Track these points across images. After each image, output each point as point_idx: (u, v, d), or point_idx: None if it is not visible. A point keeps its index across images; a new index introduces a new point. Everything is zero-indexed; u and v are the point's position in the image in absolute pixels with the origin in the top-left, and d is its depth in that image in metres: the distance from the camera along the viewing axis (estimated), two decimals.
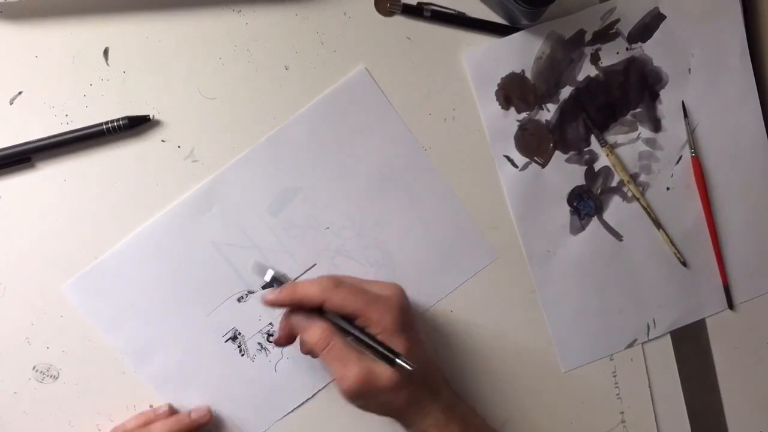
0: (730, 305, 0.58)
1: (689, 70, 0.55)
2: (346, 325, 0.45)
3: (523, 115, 0.54)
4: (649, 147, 0.56)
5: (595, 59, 0.54)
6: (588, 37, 0.54)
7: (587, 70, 0.54)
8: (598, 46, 0.54)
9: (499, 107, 0.53)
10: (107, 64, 0.50)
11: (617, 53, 0.54)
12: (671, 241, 0.56)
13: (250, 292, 0.53)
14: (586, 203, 0.55)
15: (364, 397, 0.45)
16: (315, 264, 0.53)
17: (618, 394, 0.58)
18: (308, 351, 0.48)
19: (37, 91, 0.49)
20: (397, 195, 0.53)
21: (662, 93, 0.55)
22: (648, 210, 0.56)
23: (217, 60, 0.50)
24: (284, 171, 0.52)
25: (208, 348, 0.53)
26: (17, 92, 0.49)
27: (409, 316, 0.47)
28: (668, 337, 0.58)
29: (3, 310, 0.51)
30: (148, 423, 0.50)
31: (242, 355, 0.53)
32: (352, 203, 0.53)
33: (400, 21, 0.52)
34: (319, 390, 0.54)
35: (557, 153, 0.55)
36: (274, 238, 0.52)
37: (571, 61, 0.54)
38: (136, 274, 0.51)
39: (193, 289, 0.52)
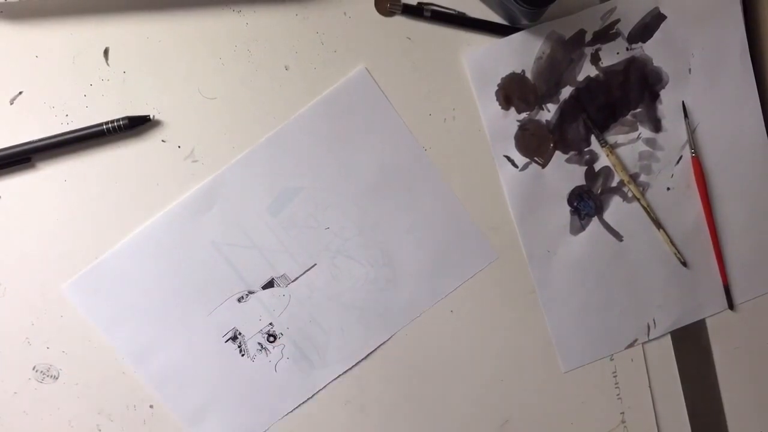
0: (731, 305, 0.58)
1: (689, 70, 0.55)
2: None
3: (524, 115, 0.54)
4: (650, 147, 0.56)
5: (595, 59, 0.54)
6: (588, 37, 0.54)
7: (587, 70, 0.54)
8: (598, 46, 0.54)
9: (500, 107, 0.53)
10: (107, 64, 0.50)
11: (617, 53, 0.54)
12: (671, 241, 0.56)
13: (251, 292, 0.53)
14: (586, 203, 0.55)
15: None
16: (315, 264, 0.53)
17: (618, 395, 0.58)
18: None
19: (37, 91, 0.49)
20: (397, 195, 0.53)
21: (662, 93, 0.55)
22: (648, 210, 0.56)
23: (217, 60, 0.50)
24: (284, 171, 0.52)
25: (208, 348, 0.53)
26: (17, 92, 0.49)
27: None
28: (668, 337, 0.58)
29: (3, 310, 0.51)
30: None
31: (242, 355, 0.53)
32: (353, 203, 0.53)
33: (400, 21, 0.52)
34: (319, 390, 0.54)
35: (557, 153, 0.55)
36: (274, 238, 0.52)
37: (571, 61, 0.54)
38: (136, 274, 0.51)
39: (193, 289, 0.52)
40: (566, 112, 0.54)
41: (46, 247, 0.50)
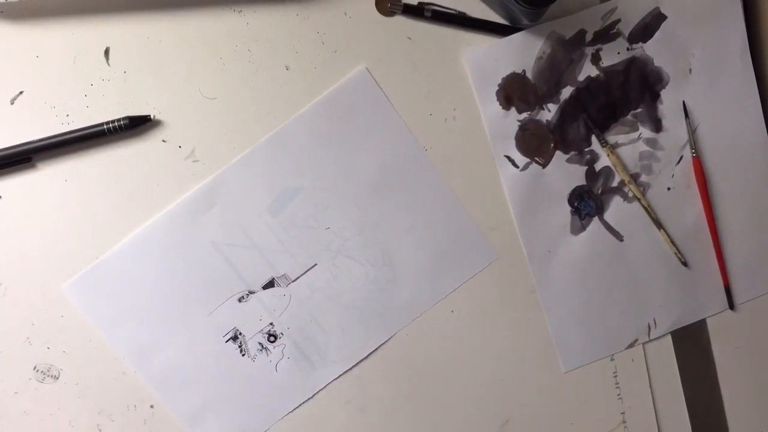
0: (731, 305, 0.58)
1: (690, 70, 0.55)
2: None
3: (524, 115, 0.54)
4: (650, 147, 0.56)
5: (595, 59, 0.54)
6: (589, 37, 0.54)
7: (588, 70, 0.54)
8: (598, 46, 0.54)
9: (500, 107, 0.53)
10: (108, 64, 0.50)
11: (618, 53, 0.54)
12: (672, 241, 0.56)
13: (251, 292, 0.53)
14: (586, 203, 0.55)
15: None
16: (315, 264, 0.53)
17: (619, 395, 0.58)
18: None
19: (37, 91, 0.49)
20: (397, 195, 0.53)
21: (663, 93, 0.55)
22: (649, 210, 0.56)
23: (217, 60, 0.50)
24: (284, 171, 0.52)
25: (208, 348, 0.53)
26: (18, 92, 0.49)
27: None
28: (669, 338, 0.58)
29: (3, 310, 0.51)
30: None
31: (243, 355, 0.53)
32: (353, 203, 0.53)
33: (400, 21, 0.52)
34: (319, 390, 0.54)
35: (558, 153, 0.55)
36: (274, 238, 0.52)
37: (571, 61, 0.54)
38: (136, 274, 0.51)
39: (194, 289, 0.52)
40: (567, 112, 0.54)
41: (46, 247, 0.50)
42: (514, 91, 0.53)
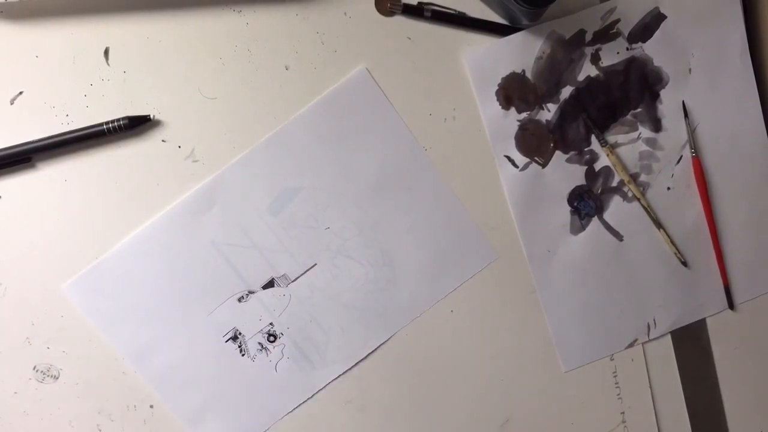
0: (731, 305, 0.58)
1: (689, 70, 0.55)
2: None
3: (524, 115, 0.54)
4: (650, 147, 0.56)
5: (595, 59, 0.54)
6: (588, 37, 0.54)
7: (587, 70, 0.54)
8: (598, 46, 0.54)
9: (500, 107, 0.53)
10: (108, 64, 0.50)
11: (617, 53, 0.54)
12: (672, 241, 0.56)
13: (251, 292, 0.53)
14: (586, 203, 0.55)
15: None
16: (315, 264, 0.53)
17: (618, 394, 0.58)
18: None
19: (37, 91, 0.49)
20: (397, 195, 0.53)
21: (662, 93, 0.55)
22: (648, 210, 0.56)
23: (217, 60, 0.50)
24: (284, 171, 0.52)
25: (208, 348, 0.53)
26: (18, 92, 0.49)
27: None
28: (669, 337, 0.58)
29: (3, 310, 0.51)
30: None
31: (243, 355, 0.53)
32: (353, 203, 0.53)
33: (400, 21, 0.52)
34: (319, 390, 0.54)
35: (558, 153, 0.55)
36: (274, 238, 0.52)
37: (571, 61, 0.54)
38: (136, 274, 0.51)
39: (194, 289, 0.52)
40: (566, 112, 0.54)
41: (46, 247, 0.50)
42: (514, 91, 0.53)
